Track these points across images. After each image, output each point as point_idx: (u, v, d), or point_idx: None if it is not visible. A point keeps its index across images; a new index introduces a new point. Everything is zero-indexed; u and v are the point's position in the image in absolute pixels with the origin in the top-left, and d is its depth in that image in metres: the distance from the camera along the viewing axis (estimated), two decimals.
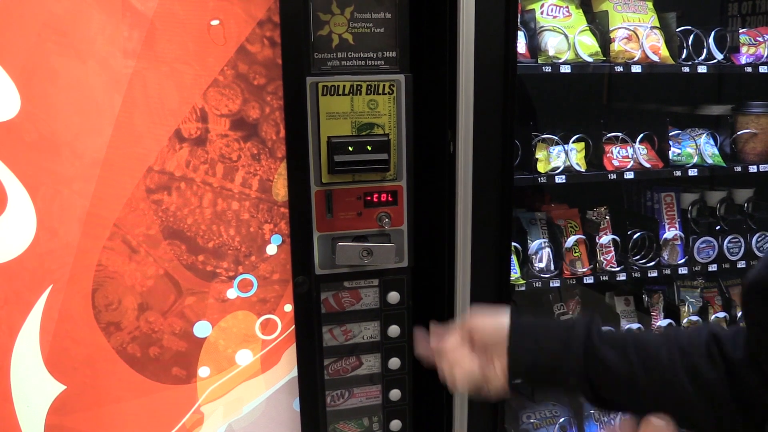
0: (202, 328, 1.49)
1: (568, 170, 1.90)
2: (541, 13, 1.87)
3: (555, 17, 1.87)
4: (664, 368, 0.90)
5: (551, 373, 0.96)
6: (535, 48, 1.83)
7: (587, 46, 1.86)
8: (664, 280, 2.17)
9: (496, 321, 1.00)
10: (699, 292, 2.24)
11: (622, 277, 2.02)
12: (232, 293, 1.48)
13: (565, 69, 1.80)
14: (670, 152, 2.00)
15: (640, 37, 1.89)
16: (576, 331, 0.95)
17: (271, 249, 1.48)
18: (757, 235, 2.15)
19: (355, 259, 1.47)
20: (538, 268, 1.96)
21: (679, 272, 2.10)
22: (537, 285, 1.94)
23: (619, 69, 1.87)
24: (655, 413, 0.91)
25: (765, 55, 2.02)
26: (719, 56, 1.96)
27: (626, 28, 1.90)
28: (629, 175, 1.93)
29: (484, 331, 1.01)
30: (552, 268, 1.98)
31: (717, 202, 2.19)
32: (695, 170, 2.00)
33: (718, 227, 2.14)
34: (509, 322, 0.99)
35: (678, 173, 1.99)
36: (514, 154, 1.73)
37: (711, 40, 1.96)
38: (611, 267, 2.02)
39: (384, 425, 1.64)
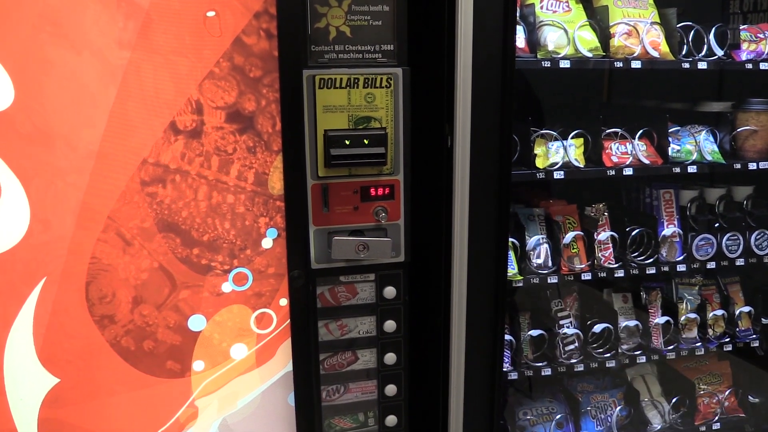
0: (196, 322, 1.48)
1: (566, 166, 1.89)
2: (541, 7, 1.86)
3: (554, 12, 1.86)
4: None
5: None
6: (534, 43, 1.82)
7: (587, 41, 1.84)
8: (663, 277, 2.17)
9: None
10: (697, 290, 2.23)
11: (620, 273, 2.02)
12: (227, 287, 1.47)
13: (565, 64, 1.79)
14: (669, 149, 1.99)
15: (640, 33, 1.88)
16: None
17: (267, 243, 1.48)
18: (756, 232, 2.14)
19: (352, 253, 1.47)
20: (535, 264, 1.96)
21: (678, 269, 2.09)
22: (534, 281, 1.93)
23: (619, 64, 1.86)
24: None
25: (765, 52, 2.01)
26: (720, 52, 1.95)
27: (626, 24, 1.89)
28: (628, 172, 1.92)
29: None
30: (550, 264, 1.98)
31: (716, 199, 2.18)
32: (695, 167, 1.99)
33: (717, 224, 2.13)
34: None
35: (677, 170, 1.98)
36: (513, 149, 1.72)
37: (711, 36, 1.95)
38: (609, 263, 2.02)
39: (379, 420, 1.64)
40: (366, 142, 1.42)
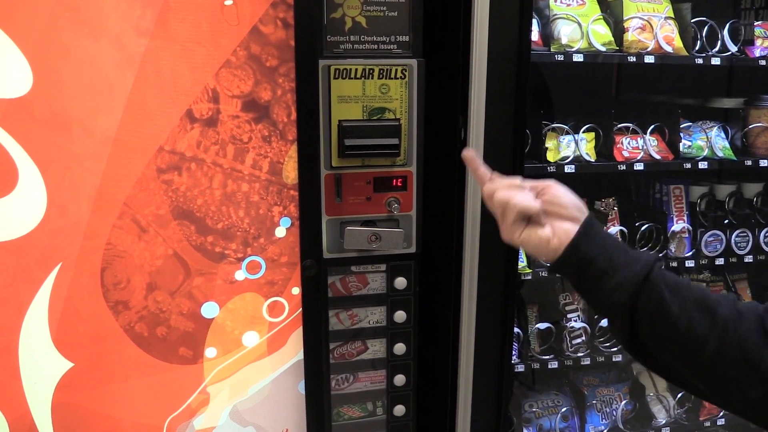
0: (209, 309, 1.49)
1: (577, 160, 1.89)
2: (555, 0, 1.86)
3: (569, 5, 1.86)
4: (717, 324, 0.88)
5: (600, 278, 0.95)
6: (548, 36, 1.82)
7: (600, 35, 1.84)
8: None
9: (573, 197, 1.02)
10: (705, 286, 2.24)
11: None
12: (240, 275, 1.48)
13: (578, 58, 1.78)
14: (680, 144, 1.99)
15: (654, 28, 1.87)
16: (643, 258, 0.94)
17: (280, 231, 1.48)
18: (765, 229, 2.14)
19: (363, 243, 1.47)
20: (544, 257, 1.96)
21: (686, 265, 2.10)
22: (543, 274, 1.93)
23: (632, 59, 1.85)
24: (686, 370, 0.89)
25: None
26: (733, 48, 1.94)
27: (640, 18, 1.88)
28: (639, 167, 1.92)
29: (557, 197, 1.01)
30: None
31: (726, 195, 2.18)
32: (705, 163, 1.99)
33: (726, 221, 2.13)
34: (586, 209, 1.01)
35: (688, 166, 1.98)
36: (524, 142, 1.72)
37: (725, 32, 1.94)
38: None
39: (388, 410, 1.65)
40: (380, 133, 1.42)
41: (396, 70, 1.41)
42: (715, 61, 1.91)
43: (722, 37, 1.94)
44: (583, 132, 1.92)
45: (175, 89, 1.34)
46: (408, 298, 1.58)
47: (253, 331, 1.53)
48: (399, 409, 1.65)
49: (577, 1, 1.87)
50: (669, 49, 1.88)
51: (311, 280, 1.50)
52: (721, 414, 2.24)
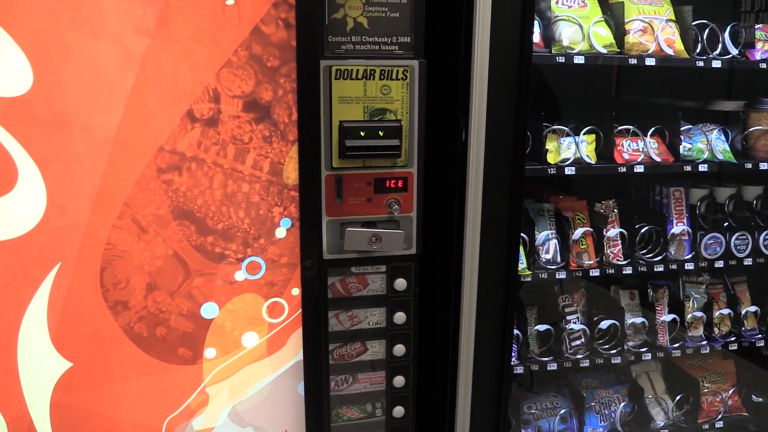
0: (209, 310, 1.49)
1: (578, 162, 1.89)
2: (557, 2, 1.86)
3: (570, 7, 1.86)
4: None
5: None
6: (549, 38, 1.82)
7: (602, 38, 1.84)
8: (670, 274, 2.17)
9: None
10: (704, 288, 2.24)
11: (628, 270, 2.02)
12: (240, 275, 1.48)
13: (579, 60, 1.79)
14: (680, 147, 1.99)
15: (655, 30, 1.87)
16: None
17: (280, 232, 1.48)
18: (765, 232, 2.14)
19: (364, 244, 1.47)
20: (544, 259, 1.96)
21: (686, 267, 2.10)
22: (543, 276, 1.93)
23: (633, 61, 1.85)
24: None
25: None
26: (734, 51, 1.94)
27: (641, 20, 1.88)
28: (639, 169, 1.92)
29: None
30: (558, 259, 1.98)
31: (726, 198, 2.18)
32: (705, 166, 1.99)
33: (726, 224, 2.13)
34: None
35: (688, 168, 1.98)
36: (525, 144, 1.72)
37: (726, 35, 1.94)
38: (618, 260, 2.02)
39: (387, 411, 1.65)
40: (381, 133, 1.42)
41: (397, 71, 1.41)
42: (716, 63, 1.91)
43: (723, 39, 1.94)
44: (584, 134, 1.92)
45: (175, 89, 1.34)
46: (408, 300, 1.58)
47: (252, 332, 1.53)
48: (398, 411, 1.65)
49: (578, 3, 1.87)
50: (670, 51, 1.88)
51: (311, 281, 1.50)
52: (720, 417, 2.24)
